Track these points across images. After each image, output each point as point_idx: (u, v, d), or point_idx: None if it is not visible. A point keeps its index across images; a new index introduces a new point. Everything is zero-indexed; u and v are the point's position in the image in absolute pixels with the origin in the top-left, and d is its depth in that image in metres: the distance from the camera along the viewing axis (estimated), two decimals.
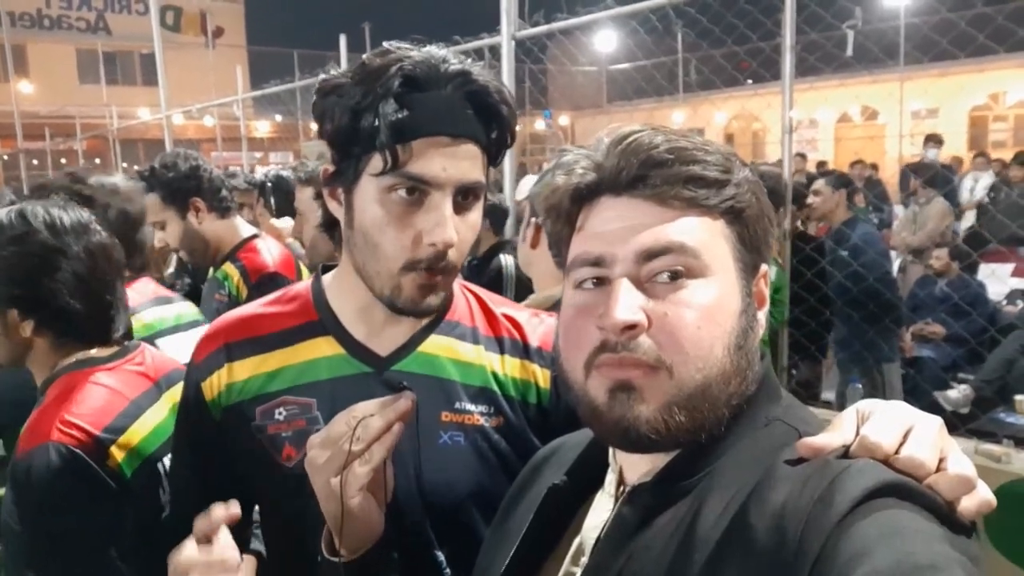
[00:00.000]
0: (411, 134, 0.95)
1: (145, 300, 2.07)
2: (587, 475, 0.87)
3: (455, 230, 0.98)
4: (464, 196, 1.00)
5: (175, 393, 1.42)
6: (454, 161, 0.97)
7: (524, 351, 1.14)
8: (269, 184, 3.42)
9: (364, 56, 0.99)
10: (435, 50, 0.99)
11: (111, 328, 1.48)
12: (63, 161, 20.96)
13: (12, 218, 1.40)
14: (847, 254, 4.24)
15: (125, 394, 1.41)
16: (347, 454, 0.87)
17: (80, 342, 1.46)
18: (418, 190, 0.96)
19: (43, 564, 1.26)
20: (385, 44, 1.00)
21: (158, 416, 1.43)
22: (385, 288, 1.01)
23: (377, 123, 0.94)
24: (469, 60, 1.00)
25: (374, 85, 0.94)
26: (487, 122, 1.00)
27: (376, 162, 0.96)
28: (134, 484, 1.32)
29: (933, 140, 9.02)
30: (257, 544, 1.24)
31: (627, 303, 0.71)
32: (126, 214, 2.05)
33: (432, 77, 0.96)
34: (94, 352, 1.47)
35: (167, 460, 1.36)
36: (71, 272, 1.39)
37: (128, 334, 1.53)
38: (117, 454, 1.32)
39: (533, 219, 1.81)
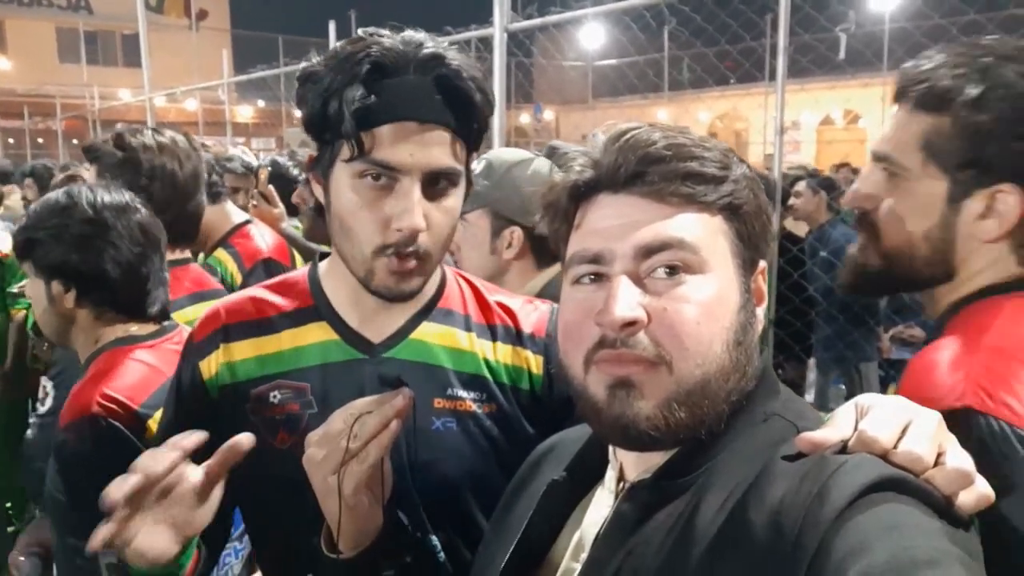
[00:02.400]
0: (376, 120, 0.95)
1: (183, 294, 1.92)
2: (587, 471, 0.87)
3: (426, 216, 0.98)
4: (436, 182, 0.99)
5: None
6: (421, 147, 0.96)
7: (517, 337, 1.15)
8: (268, 169, 3.35)
9: (340, 42, 0.99)
10: (413, 35, 0.98)
11: (147, 301, 1.55)
12: (40, 141, 20.67)
13: (59, 195, 1.52)
14: (828, 255, 4.28)
15: (164, 371, 1.46)
16: (345, 451, 0.87)
17: (119, 314, 1.54)
18: (386, 176, 0.97)
19: (85, 532, 1.28)
20: (361, 31, 1.00)
21: None
22: (360, 271, 1.02)
23: (343, 109, 0.94)
24: (453, 47, 1.00)
25: (341, 71, 0.95)
26: (458, 107, 0.98)
27: (346, 149, 0.97)
28: None
29: None
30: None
31: (626, 300, 0.71)
32: (173, 177, 1.94)
33: (401, 62, 0.95)
34: (134, 330, 1.56)
35: None
36: (109, 243, 1.48)
37: (165, 313, 1.60)
38: (154, 428, 1.36)
39: (516, 227, 1.64)
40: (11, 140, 19.66)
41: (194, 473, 0.90)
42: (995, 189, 0.97)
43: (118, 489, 0.85)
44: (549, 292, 1.58)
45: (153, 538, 0.88)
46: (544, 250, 1.63)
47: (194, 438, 0.90)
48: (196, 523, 0.92)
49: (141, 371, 1.47)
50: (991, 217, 0.98)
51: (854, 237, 1.15)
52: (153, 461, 0.87)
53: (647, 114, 16.17)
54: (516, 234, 1.61)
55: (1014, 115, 0.95)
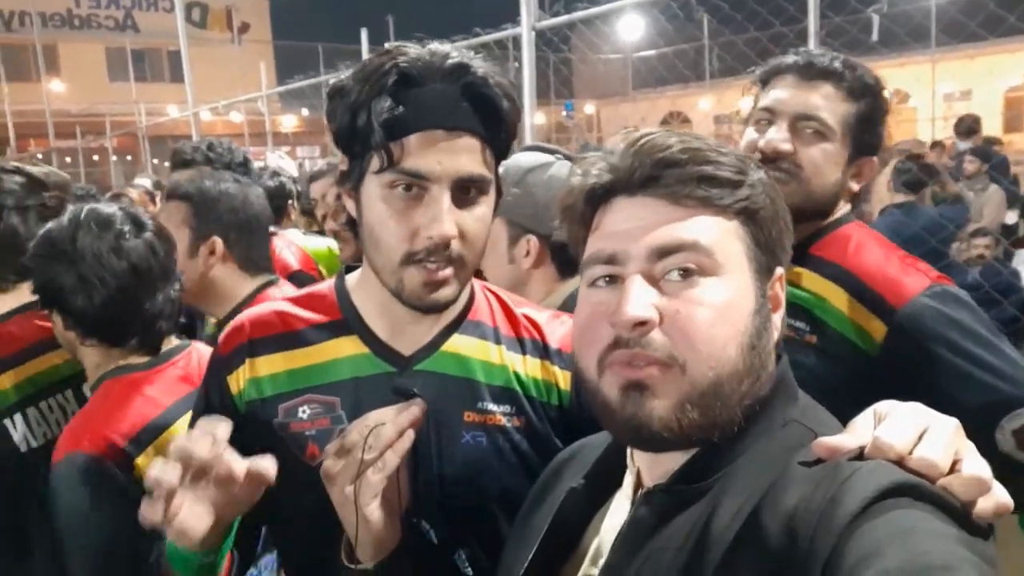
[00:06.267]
0: (405, 130, 0.95)
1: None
2: (606, 477, 0.88)
3: (456, 224, 0.97)
4: (466, 190, 0.99)
5: None
6: (450, 155, 0.96)
7: (544, 352, 1.14)
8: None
9: (368, 56, 1.00)
10: (439, 47, 0.99)
11: (149, 334, 1.48)
12: (95, 158, 21.33)
13: (52, 224, 1.46)
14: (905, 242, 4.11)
15: (160, 401, 1.43)
16: (360, 462, 0.88)
17: (115, 347, 1.47)
18: (416, 185, 0.97)
19: (72, 567, 1.29)
20: (387, 45, 1.00)
21: None
22: (391, 282, 1.02)
23: (372, 121, 0.94)
24: (478, 55, 1.00)
25: (368, 83, 0.95)
26: (485, 114, 0.98)
27: (376, 160, 0.97)
28: None
29: (963, 130, 7.27)
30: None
31: (639, 300, 0.72)
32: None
33: (427, 72, 0.96)
34: (134, 358, 1.49)
35: None
36: (83, 280, 1.40)
37: (157, 344, 1.53)
38: (144, 464, 1.34)
39: (531, 235, 1.59)
40: (67, 159, 20.32)
41: (233, 459, 0.90)
42: (867, 158, 1.48)
43: (162, 471, 0.87)
44: (573, 303, 1.54)
45: (193, 516, 0.90)
46: (567, 259, 1.57)
47: (224, 426, 0.90)
48: (237, 504, 0.93)
49: (135, 403, 1.40)
50: (861, 177, 1.50)
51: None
52: (191, 444, 0.88)
53: (686, 104, 15.98)
54: (532, 242, 1.57)
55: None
